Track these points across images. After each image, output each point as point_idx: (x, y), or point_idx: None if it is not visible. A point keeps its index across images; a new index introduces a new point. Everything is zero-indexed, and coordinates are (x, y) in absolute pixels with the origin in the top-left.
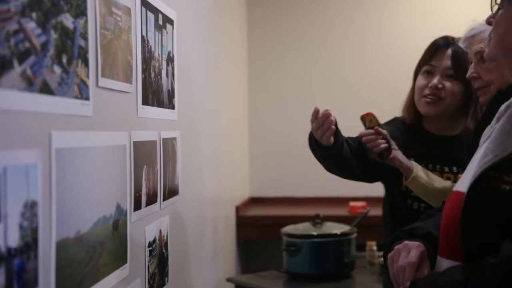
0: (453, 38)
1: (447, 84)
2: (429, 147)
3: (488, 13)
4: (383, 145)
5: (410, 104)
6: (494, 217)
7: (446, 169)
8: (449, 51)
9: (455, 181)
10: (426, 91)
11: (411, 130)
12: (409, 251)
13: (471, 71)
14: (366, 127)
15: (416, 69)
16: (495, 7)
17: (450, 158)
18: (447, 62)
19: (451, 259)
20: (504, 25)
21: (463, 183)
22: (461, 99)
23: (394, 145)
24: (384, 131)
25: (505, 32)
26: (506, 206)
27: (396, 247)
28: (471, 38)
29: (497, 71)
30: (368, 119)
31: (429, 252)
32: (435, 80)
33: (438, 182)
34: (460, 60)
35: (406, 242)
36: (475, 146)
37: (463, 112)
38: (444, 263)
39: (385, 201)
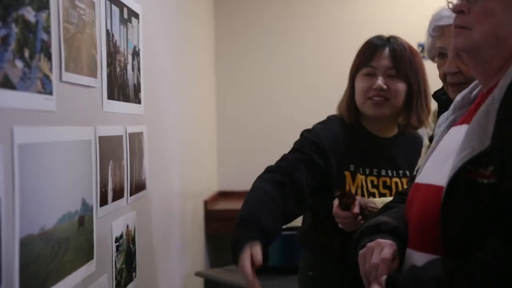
0: (387, 37)
1: (391, 84)
2: (371, 149)
3: None
4: (361, 223)
5: (351, 105)
6: (473, 210)
7: (383, 172)
8: (387, 51)
9: (390, 184)
10: (371, 93)
11: (352, 129)
12: (382, 249)
13: (451, 65)
14: (342, 207)
15: (353, 71)
16: None
17: (388, 161)
18: (387, 62)
19: (426, 252)
20: (498, 14)
21: (434, 176)
22: (405, 97)
23: (360, 206)
24: (358, 208)
25: (499, 23)
26: (483, 199)
27: (369, 244)
28: (446, 27)
29: None
30: (343, 200)
31: (398, 249)
32: (379, 82)
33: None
34: (400, 58)
35: (379, 240)
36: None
37: (406, 110)
38: (417, 256)
39: (317, 218)
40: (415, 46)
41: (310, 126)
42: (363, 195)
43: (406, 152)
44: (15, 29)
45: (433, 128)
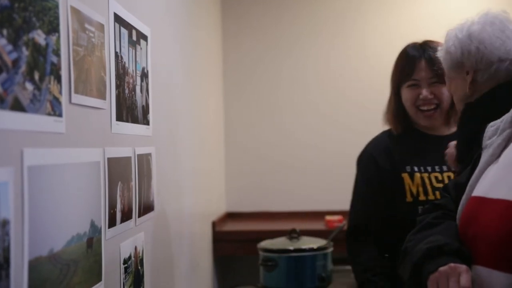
0: (420, 44)
1: (436, 91)
2: (429, 148)
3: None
4: None
5: (399, 114)
6: None
7: (445, 168)
8: (424, 61)
9: (442, 179)
10: (420, 102)
11: (404, 135)
12: (459, 275)
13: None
14: None
15: (397, 82)
16: None
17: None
18: (428, 73)
19: (510, 272)
20: None
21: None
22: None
23: None
24: None
25: None
26: None
27: (442, 269)
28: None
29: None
30: None
31: None
32: (425, 92)
33: None
34: (437, 65)
35: (453, 264)
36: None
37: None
38: (500, 277)
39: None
40: None
41: (317, 149)
42: (426, 191)
43: None
44: (25, 52)
45: None
